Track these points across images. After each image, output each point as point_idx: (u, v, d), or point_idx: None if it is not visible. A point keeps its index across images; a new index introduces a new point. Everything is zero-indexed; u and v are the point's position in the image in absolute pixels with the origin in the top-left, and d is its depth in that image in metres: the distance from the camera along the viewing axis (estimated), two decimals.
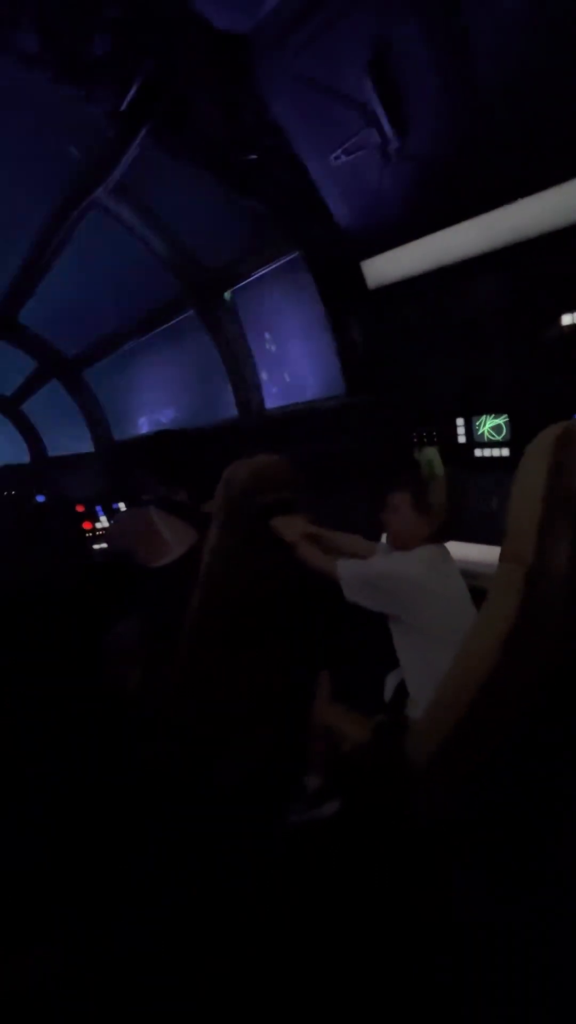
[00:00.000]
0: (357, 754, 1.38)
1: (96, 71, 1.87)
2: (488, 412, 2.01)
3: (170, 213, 2.78)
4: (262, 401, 3.11)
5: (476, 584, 1.45)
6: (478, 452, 2.05)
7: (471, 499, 2.00)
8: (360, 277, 2.31)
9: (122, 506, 3.16)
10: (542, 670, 1.16)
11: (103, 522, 3.09)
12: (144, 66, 1.85)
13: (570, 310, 1.80)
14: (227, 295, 2.92)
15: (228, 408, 3.25)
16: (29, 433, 5.26)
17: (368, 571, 1.44)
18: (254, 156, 2.19)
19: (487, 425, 2.01)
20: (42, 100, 2.15)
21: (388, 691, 1.54)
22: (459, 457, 2.10)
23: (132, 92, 1.91)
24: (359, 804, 1.42)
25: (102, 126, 2.13)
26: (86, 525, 3.02)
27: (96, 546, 2.95)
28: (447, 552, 1.50)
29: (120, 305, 3.51)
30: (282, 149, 2.15)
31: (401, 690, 1.45)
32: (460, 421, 2.10)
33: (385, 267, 2.23)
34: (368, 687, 1.55)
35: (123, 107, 1.95)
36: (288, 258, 2.59)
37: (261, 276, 2.78)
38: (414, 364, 2.22)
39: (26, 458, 5.21)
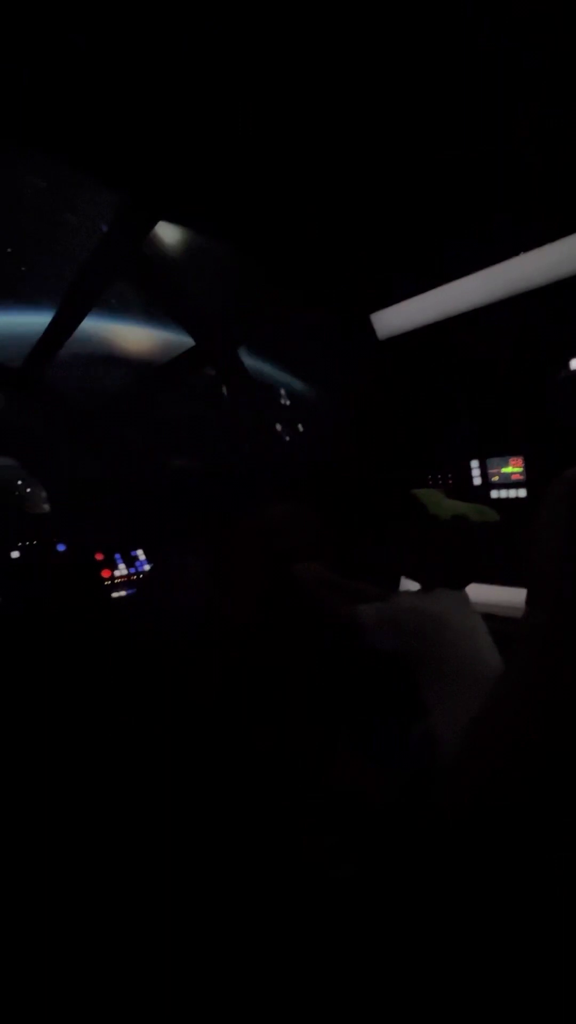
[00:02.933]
0: (381, 811, 1.31)
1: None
2: (504, 454, 2.03)
3: (186, 276, 2.97)
4: (276, 451, 3.18)
5: (498, 627, 1.43)
6: (494, 494, 2.06)
7: (488, 541, 1.98)
8: (370, 328, 2.41)
9: (140, 553, 3.18)
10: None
11: (121, 570, 3.12)
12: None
13: None
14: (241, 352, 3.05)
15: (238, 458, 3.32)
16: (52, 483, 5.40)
17: (389, 611, 1.43)
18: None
19: (503, 467, 2.03)
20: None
21: (413, 744, 1.48)
22: (475, 499, 2.10)
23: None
24: (379, 866, 1.34)
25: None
26: (105, 573, 3.05)
27: (115, 594, 2.96)
28: (466, 595, 1.49)
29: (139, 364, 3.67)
30: None
31: (427, 741, 1.39)
32: (475, 463, 2.11)
33: (394, 319, 2.33)
34: (390, 741, 1.50)
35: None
36: (300, 313, 2.72)
37: (275, 331, 2.90)
38: (426, 410, 2.27)
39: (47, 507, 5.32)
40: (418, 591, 1.49)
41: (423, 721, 1.47)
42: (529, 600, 1.02)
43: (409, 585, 1.60)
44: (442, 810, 1.17)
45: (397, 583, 1.76)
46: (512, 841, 1.16)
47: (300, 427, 3.13)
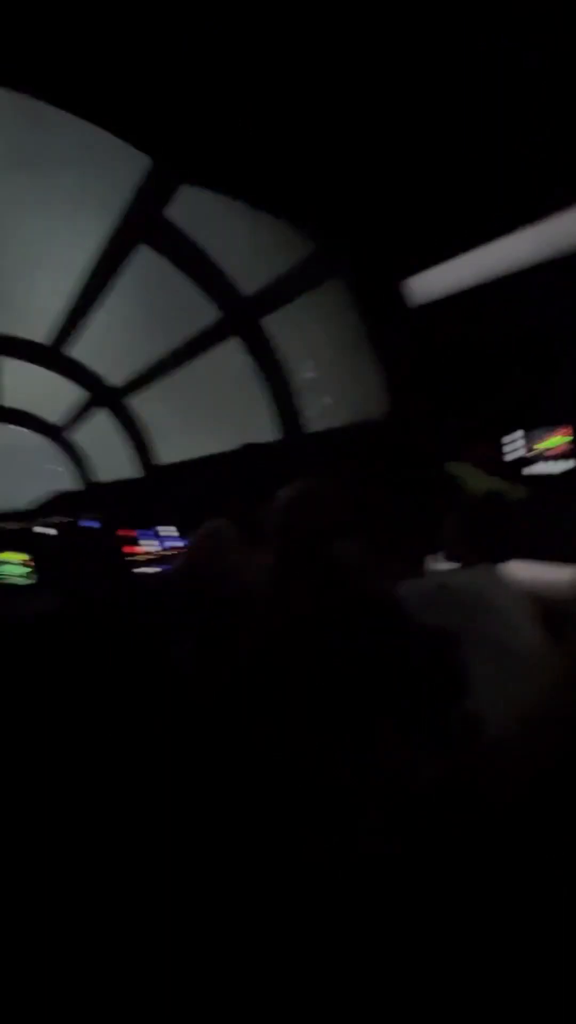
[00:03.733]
0: (430, 792, 1.30)
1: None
2: (548, 425, 1.94)
3: (211, 243, 2.87)
4: (303, 424, 3.12)
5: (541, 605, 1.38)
6: (537, 468, 1.97)
7: (529, 516, 1.91)
8: (400, 295, 2.30)
9: (171, 530, 3.20)
10: None
11: (146, 546, 3.14)
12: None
13: None
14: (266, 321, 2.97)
15: (263, 432, 3.28)
16: (78, 460, 5.46)
17: (430, 587, 1.39)
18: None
19: (545, 439, 1.93)
20: (90, 147, 2.29)
21: (457, 724, 1.46)
22: (513, 473, 2.02)
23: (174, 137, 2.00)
24: (430, 845, 1.33)
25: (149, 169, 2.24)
26: (128, 549, 3.07)
27: (138, 570, 2.99)
28: (506, 571, 1.44)
29: (164, 335, 3.62)
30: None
31: (472, 722, 1.37)
32: (516, 435, 2.02)
33: (428, 283, 2.21)
34: (433, 721, 1.48)
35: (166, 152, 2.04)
36: (326, 280, 2.61)
37: (301, 300, 2.81)
38: (462, 380, 2.17)
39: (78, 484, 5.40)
40: (457, 568, 1.45)
41: (466, 701, 1.44)
42: None
43: (445, 563, 1.56)
44: (491, 793, 1.15)
45: (432, 559, 1.72)
46: (567, 825, 1.13)
47: (328, 399, 3.05)
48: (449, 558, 1.49)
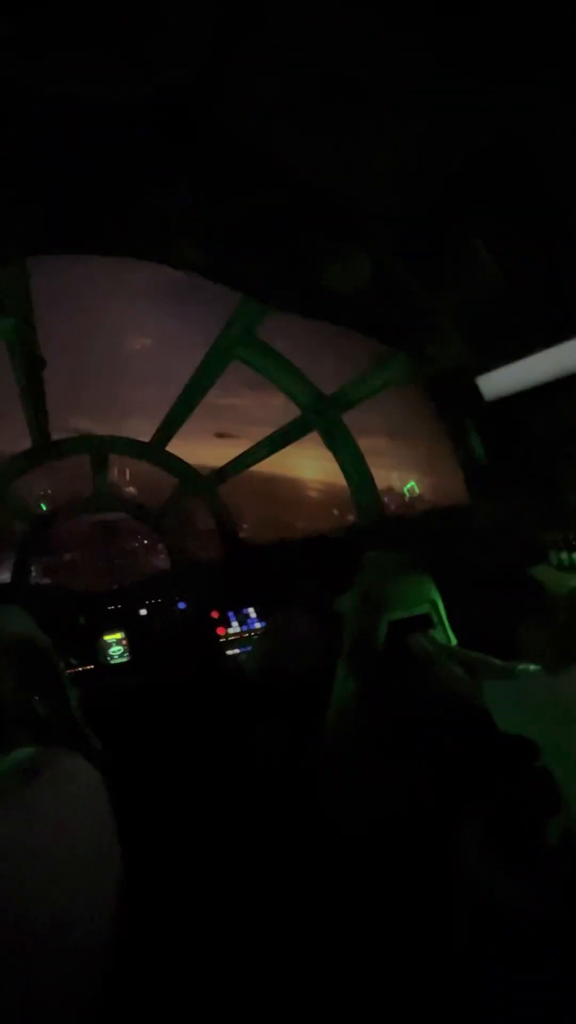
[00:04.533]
0: (515, 920, 1.20)
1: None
2: None
3: (292, 352, 3.24)
4: (383, 515, 3.23)
5: None
6: None
7: None
8: (475, 390, 2.41)
9: (251, 611, 3.33)
10: None
11: (235, 627, 3.28)
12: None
13: None
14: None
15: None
16: (171, 543, 5.89)
17: (517, 691, 1.36)
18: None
19: None
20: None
21: (553, 836, 1.34)
22: None
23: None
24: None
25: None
26: (219, 631, 3.23)
27: (229, 652, 3.11)
28: None
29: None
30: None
31: (568, 841, 1.26)
32: None
33: (501, 381, 2.31)
34: (526, 835, 1.38)
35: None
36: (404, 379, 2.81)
37: (380, 397, 3.02)
38: (545, 470, 2.19)
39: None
40: (546, 672, 1.40)
41: (559, 817, 1.34)
42: None
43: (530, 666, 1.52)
44: None
45: (516, 657, 1.67)
46: None
47: (410, 492, 3.15)
48: (537, 662, 1.45)
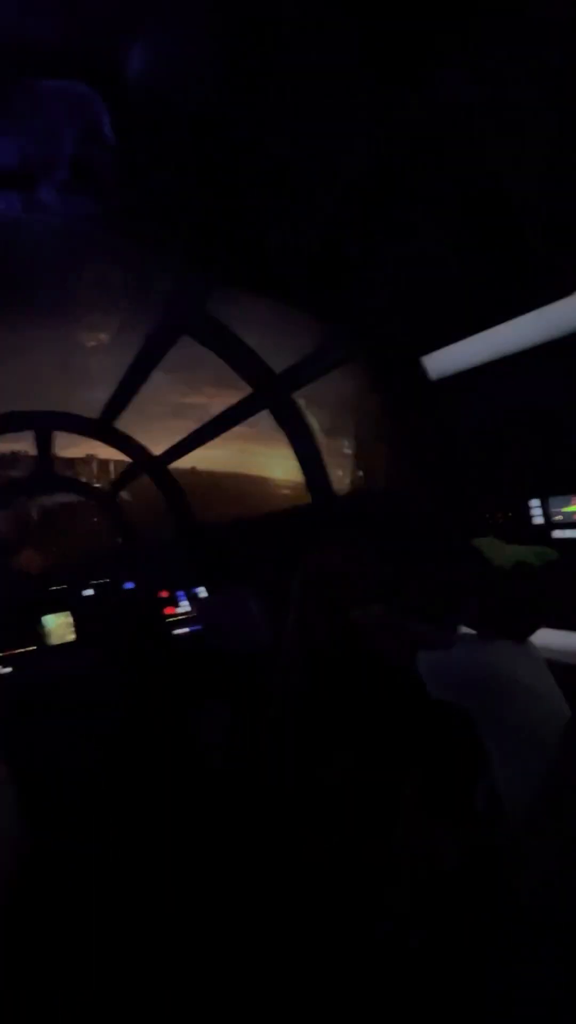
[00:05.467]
0: (449, 879, 1.26)
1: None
2: (567, 492, 1.97)
3: (242, 328, 3.16)
4: (333, 494, 3.24)
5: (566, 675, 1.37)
6: (556, 534, 1.98)
7: (555, 584, 1.90)
8: (421, 371, 2.44)
9: (202, 591, 3.30)
10: None
11: (184, 607, 3.25)
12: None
13: None
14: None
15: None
16: (122, 523, 5.74)
17: (448, 662, 1.40)
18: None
19: (565, 506, 1.96)
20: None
21: (480, 799, 1.42)
22: (535, 540, 2.03)
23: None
24: (449, 937, 1.27)
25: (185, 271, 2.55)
26: (168, 611, 3.19)
27: (177, 631, 3.08)
28: (531, 644, 1.44)
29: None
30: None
31: (491, 800, 1.33)
32: (535, 502, 2.06)
33: (446, 360, 2.35)
34: (458, 793, 1.45)
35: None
36: (351, 359, 2.80)
37: (328, 376, 3.00)
38: (483, 451, 2.25)
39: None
40: (479, 640, 1.46)
41: (486, 778, 1.41)
42: None
43: (469, 632, 1.57)
44: (512, 882, 1.12)
45: (457, 626, 1.73)
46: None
47: (360, 472, 3.17)
48: (475, 629, 1.50)
